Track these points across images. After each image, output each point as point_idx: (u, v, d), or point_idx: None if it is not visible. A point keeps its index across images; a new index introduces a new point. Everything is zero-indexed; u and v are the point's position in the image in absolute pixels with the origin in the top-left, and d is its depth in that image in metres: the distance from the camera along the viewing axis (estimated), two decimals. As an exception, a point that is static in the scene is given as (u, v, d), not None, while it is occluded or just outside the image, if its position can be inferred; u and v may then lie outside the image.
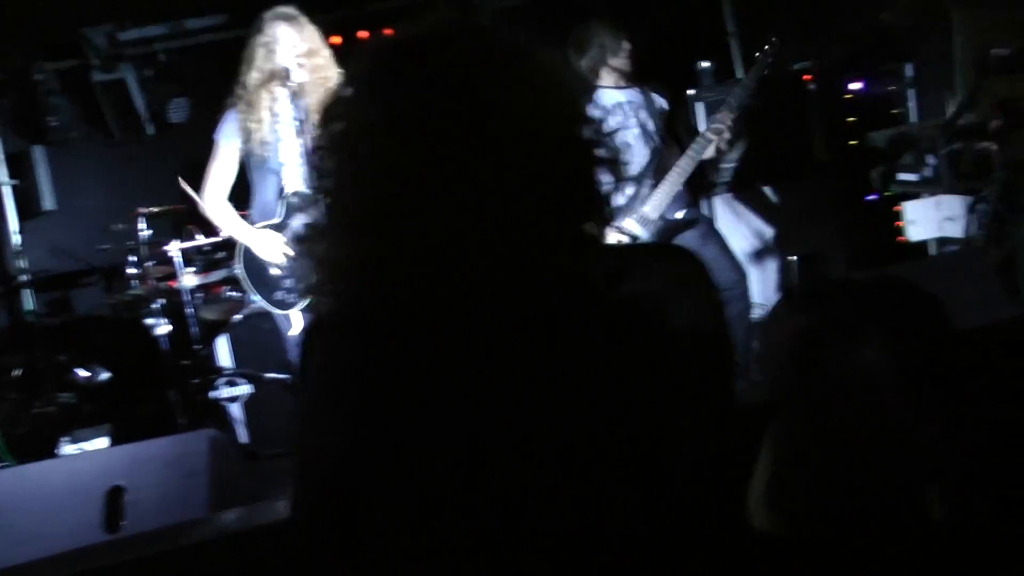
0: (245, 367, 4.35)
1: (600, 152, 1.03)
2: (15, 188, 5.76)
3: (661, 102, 3.97)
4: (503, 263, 0.95)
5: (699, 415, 0.98)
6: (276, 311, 3.54)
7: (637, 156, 3.84)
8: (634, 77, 3.93)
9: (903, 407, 1.10)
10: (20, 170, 5.74)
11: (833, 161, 5.11)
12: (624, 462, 0.93)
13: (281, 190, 3.36)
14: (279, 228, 3.38)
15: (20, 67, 5.42)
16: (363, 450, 0.95)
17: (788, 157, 5.13)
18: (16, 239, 5.69)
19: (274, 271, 3.50)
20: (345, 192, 1.02)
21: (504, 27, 1.05)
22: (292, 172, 3.37)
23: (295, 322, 3.49)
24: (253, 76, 3.34)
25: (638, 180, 3.82)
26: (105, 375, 4.75)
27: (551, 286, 0.97)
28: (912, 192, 4.53)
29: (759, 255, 5.11)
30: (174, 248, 4.45)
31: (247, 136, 3.38)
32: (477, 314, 0.95)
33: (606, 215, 1.05)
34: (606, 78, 3.90)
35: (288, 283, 3.43)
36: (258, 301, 3.58)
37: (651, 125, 3.89)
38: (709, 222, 4.12)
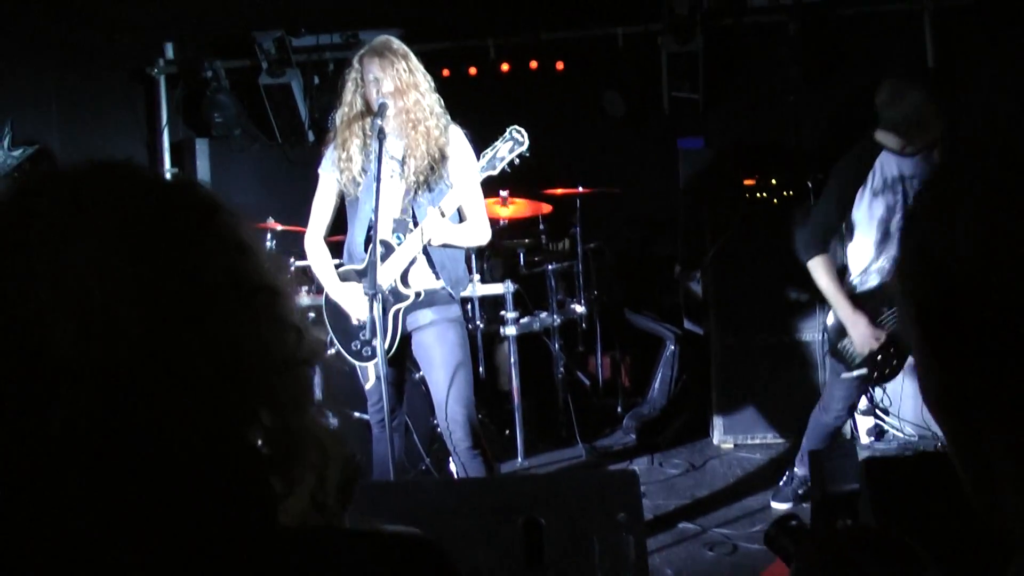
0: (333, 400, 4.17)
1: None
2: (173, 176, 5.89)
3: None
4: None
5: None
6: (350, 359, 3.32)
7: None
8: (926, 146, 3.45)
9: None
10: (181, 160, 5.87)
11: None
12: None
13: (370, 233, 3.11)
14: (361, 275, 3.13)
15: (192, 61, 5.54)
16: None
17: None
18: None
19: (354, 320, 3.28)
20: None
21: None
22: (385, 216, 3.12)
23: (371, 375, 3.26)
24: (342, 111, 3.13)
25: None
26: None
27: None
28: None
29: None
30: (292, 265, 4.36)
31: (340, 173, 3.18)
32: None
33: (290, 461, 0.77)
34: (899, 143, 3.43)
35: (365, 335, 3.18)
36: (336, 344, 3.38)
37: None
38: None
